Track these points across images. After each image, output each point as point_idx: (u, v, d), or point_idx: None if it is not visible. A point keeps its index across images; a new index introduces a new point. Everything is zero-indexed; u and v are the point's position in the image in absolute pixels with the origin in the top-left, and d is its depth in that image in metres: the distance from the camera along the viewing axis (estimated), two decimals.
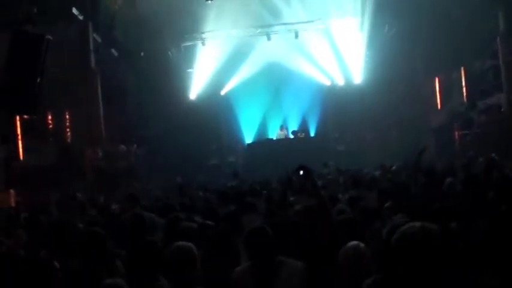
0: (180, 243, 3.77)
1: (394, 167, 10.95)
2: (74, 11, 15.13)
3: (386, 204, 5.71)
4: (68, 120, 16.25)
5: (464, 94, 17.94)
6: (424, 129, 18.93)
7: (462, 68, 17.98)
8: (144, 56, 19.78)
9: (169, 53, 20.67)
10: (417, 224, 2.44)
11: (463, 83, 17.99)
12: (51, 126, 15.77)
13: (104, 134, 16.33)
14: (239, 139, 21.47)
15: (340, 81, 21.48)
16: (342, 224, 4.39)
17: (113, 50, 18.43)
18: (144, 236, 4.40)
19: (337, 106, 20.41)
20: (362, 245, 3.64)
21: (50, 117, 15.78)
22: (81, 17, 15.59)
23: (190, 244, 3.76)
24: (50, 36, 10.23)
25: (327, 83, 21.57)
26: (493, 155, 10.40)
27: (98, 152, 15.26)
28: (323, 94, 21.09)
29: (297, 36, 20.33)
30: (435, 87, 19.76)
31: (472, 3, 15.65)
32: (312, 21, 20.29)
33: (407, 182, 6.95)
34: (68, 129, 16.15)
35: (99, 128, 16.29)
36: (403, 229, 2.44)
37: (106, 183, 13.09)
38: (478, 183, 6.31)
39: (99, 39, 16.99)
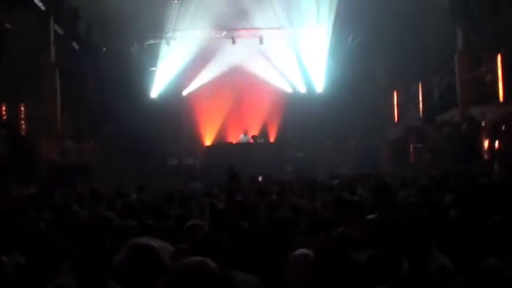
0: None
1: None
2: (36, 0, 14.77)
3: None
4: (23, 112, 15.83)
5: (421, 109, 18.42)
6: (382, 141, 19.30)
7: (420, 83, 18.44)
8: (106, 52, 19.47)
9: (131, 49, 20.41)
10: None
11: (420, 98, 18.47)
12: (4, 117, 15.33)
13: (60, 129, 15.97)
14: (198, 141, 21.38)
15: (302, 89, 21.69)
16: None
17: (74, 44, 18.06)
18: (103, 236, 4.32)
19: (298, 113, 20.56)
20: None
21: (3, 107, 15.33)
22: (43, 7, 15.22)
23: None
24: (8, 25, 9.95)
25: (289, 90, 21.74)
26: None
27: (53, 146, 14.91)
28: (285, 101, 21.24)
29: (261, 41, 20.43)
30: (393, 101, 20.20)
31: (432, 19, 16.09)
32: (278, 27, 20.43)
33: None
34: (22, 122, 15.72)
35: (56, 122, 15.93)
36: None
37: (59, 179, 12.77)
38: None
39: (60, 31, 16.63)
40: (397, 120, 19.98)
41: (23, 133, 15.57)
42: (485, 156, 14.14)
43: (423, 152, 16.88)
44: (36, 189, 10.41)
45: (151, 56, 20.96)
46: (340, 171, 13.71)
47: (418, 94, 18.57)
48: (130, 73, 19.94)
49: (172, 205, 7.11)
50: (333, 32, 20.16)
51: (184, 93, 21.63)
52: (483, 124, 14.47)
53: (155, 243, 3.76)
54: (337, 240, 3.80)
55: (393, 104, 20.18)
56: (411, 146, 18.02)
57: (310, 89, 21.52)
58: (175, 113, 20.67)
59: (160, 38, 20.60)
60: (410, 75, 18.33)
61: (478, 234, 4.05)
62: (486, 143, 14.27)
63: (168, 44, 20.61)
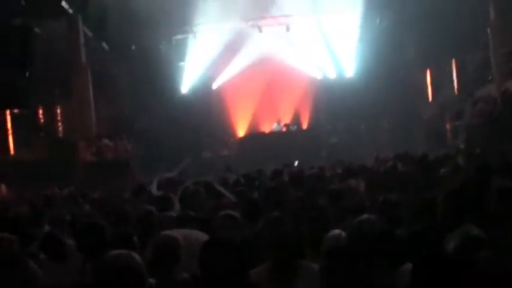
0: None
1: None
2: (64, 4, 14.99)
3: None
4: (59, 115, 16.19)
5: (456, 86, 18.01)
6: (415, 121, 18.99)
7: (453, 60, 18.02)
8: (135, 50, 19.68)
9: (160, 46, 20.58)
10: None
11: (454, 75, 18.06)
12: (42, 120, 15.71)
13: (95, 128, 16.26)
14: (232, 133, 21.45)
15: (332, 74, 21.49)
16: None
17: (104, 44, 18.31)
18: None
19: (329, 99, 20.43)
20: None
21: (40, 111, 15.71)
22: (70, 10, 15.46)
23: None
24: (38, 29, 10.16)
25: (319, 76, 21.57)
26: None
27: (89, 146, 15.20)
28: (315, 87, 21.10)
29: (288, 29, 20.30)
30: (426, 80, 19.81)
31: None
32: (304, 14, 20.25)
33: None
34: (59, 123, 16.08)
35: (91, 122, 16.22)
36: None
37: (97, 178, 13.02)
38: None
39: (89, 33, 16.87)
40: (431, 99, 19.59)
41: (60, 135, 15.93)
42: None
43: (460, 130, 16.52)
44: (75, 189, 10.61)
45: (179, 51, 21.10)
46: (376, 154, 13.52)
47: (452, 71, 18.16)
48: (160, 70, 20.12)
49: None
50: (360, 16, 19.87)
51: (214, 86, 21.72)
52: None
53: (184, 234, 3.85)
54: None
55: (426, 83, 19.79)
56: (447, 125, 17.67)
57: (340, 74, 21.31)
58: (207, 107, 20.79)
59: (188, 32, 20.71)
60: (442, 53, 17.92)
61: None
62: None
63: (195, 38, 20.70)
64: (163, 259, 3.63)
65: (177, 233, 4.06)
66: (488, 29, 15.81)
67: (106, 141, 16.01)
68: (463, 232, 3.05)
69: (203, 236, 4.18)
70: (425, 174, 6.59)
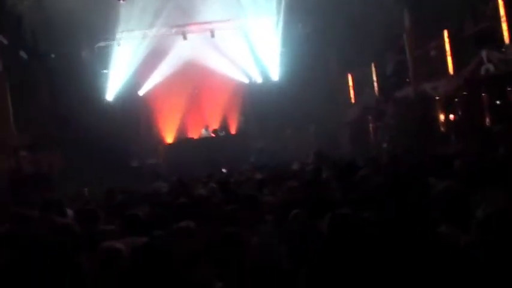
0: None
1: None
2: None
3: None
4: None
5: (376, 88, 18.76)
6: (340, 123, 19.57)
7: (373, 64, 18.77)
8: (56, 58, 19.04)
9: (82, 54, 20.06)
10: None
11: (374, 78, 18.81)
12: None
13: (15, 140, 15.59)
14: (160, 139, 21.22)
15: (258, 79, 21.76)
16: None
17: (22, 52, 17.61)
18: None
19: (256, 103, 20.67)
20: None
21: None
22: None
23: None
24: None
25: (245, 80, 21.78)
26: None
27: (7, 158, 14.55)
28: (242, 92, 21.29)
29: (213, 35, 20.37)
30: (348, 83, 20.50)
31: (380, 2, 16.40)
32: (227, 20, 20.40)
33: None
34: None
35: (10, 134, 15.55)
36: None
37: (17, 191, 12.49)
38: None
39: (5, 41, 16.18)
40: (354, 101, 20.29)
41: None
42: (442, 129, 14.55)
43: (381, 130, 17.23)
44: None
45: (103, 58, 20.65)
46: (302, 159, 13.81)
47: (372, 74, 18.90)
48: (83, 77, 19.58)
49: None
50: (282, 21, 20.28)
51: (141, 93, 21.42)
52: (437, 98, 14.87)
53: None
54: None
55: (349, 86, 20.48)
56: (370, 126, 18.36)
57: (266, 78, 21.60)
58: (133, 114, 20.49)
59: (111, 39, 20.31)
60: (362, 57, 18.62)
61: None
62: (441, 117, 14.67)
63: (119, 45, 20.34)
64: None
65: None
66: (404, 34, 16.63)
67: (24, 153, 15.38)
68: None
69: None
70: (345, 175, 6.80)
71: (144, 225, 5.04)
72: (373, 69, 18.83)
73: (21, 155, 15.13)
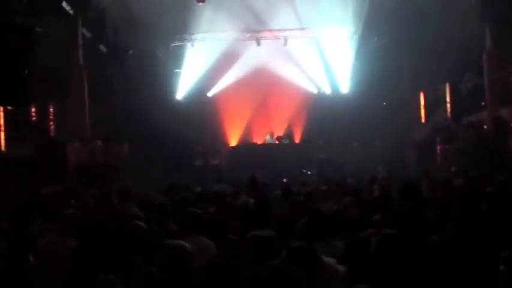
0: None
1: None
2: (64, 4, 15.00)
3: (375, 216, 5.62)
4: (51, 114, 16.08)
5: (449, 110, 18.17)
6: (408, 142, 19.10)
7: (447, 84, 18.20)
8: (133, 54, 19.69)
9: (157, 52, 20.61)
10: None
11: (448, 99, 18.22)
12: (34, 118, 15.58)
13: (88, 130, 16.20)
14: (224, 141, 21.46)
15: (327, 90, 21.61)
16: None
17: (102, 46, 18.31)
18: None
19: (323, 114, 20.51)
20: None
21: (33, 109, 15.58)
22: (71, 11, 15.46)
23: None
24: (39, 28, 10.16)
25: (314, 91, 21.68)
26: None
27: (82, 147, 15.13)
28: (310, 102, 21.19)
29: (286, 43, 20.42)
30: (420, 101, 19.98)
31: (460, 19, 15.86)
32: (302, 28, 20.39)
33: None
34: (51, 123, 15.98)
35: (84, 124, 16.16)
36: None
37: (87, 179, 12.93)
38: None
39: (88, 34, 16.87)
40: (424, 121, 19.75)
41: (51, 134, 15.82)
42: None
43: (451, 153, 16.64)
44: (64, 188, 10.54)
45: (176, 58, 21.14)
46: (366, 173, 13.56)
47: (446, 95, 18.32)
48: (156, 75, 20.14)
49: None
50: (358, 33, 20.07)
51: (210, 94, 21.76)
52: None
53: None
54: None
55: (420, 105, 19.95)
56: (438, 148, 17.79)
57: (335, 89, 21.44)
58: (201, 114, 20.80)
59: (186, 40, 20.76)
60: (437, 76, 18.11)
61: None
62: None
63: (193, 45, 20.76)
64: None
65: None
66: (484, 55, 16.00)
67: (99, 143, 15.95)
68: None
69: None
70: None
71: (203, 225, 5.02)
72: (447, 89, 18.26)
73: (95, 144, 15.70)
